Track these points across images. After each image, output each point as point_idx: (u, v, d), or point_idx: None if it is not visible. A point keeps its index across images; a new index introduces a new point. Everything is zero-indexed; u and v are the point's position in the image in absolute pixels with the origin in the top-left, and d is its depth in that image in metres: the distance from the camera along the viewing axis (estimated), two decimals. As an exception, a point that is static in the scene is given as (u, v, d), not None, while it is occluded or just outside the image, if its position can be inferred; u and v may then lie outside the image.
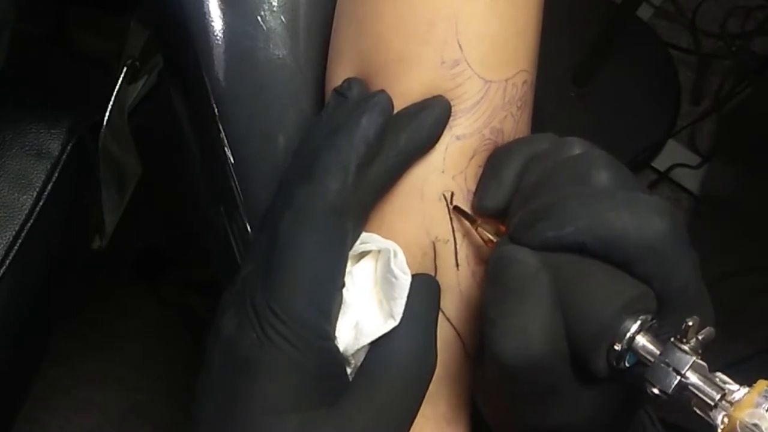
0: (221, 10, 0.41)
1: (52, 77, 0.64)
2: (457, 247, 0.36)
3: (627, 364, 0.28)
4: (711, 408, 0.26)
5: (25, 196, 0.56)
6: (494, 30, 0.35)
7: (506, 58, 0.36)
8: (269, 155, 0.42)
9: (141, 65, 0.63)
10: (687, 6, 1.37)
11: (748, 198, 1.12)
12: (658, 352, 0.27)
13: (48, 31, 0.67)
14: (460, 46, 0.35)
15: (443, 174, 0.36)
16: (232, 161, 0.42)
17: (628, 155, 1.24)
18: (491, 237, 0.34)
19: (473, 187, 0.36)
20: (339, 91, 0.36)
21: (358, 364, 0.33)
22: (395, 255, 0.33)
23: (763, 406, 0.25)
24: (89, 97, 0.63)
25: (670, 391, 0.27)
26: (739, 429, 0.25)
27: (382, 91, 0.34)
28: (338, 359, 0.32)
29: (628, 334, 0.28)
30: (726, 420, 0.25)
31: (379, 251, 0.34)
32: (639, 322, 0.28)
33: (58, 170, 0.57)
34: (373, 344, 0.33)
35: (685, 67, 1.35)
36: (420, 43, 0.35)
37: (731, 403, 0.26)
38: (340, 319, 0.33)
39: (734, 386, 0.26)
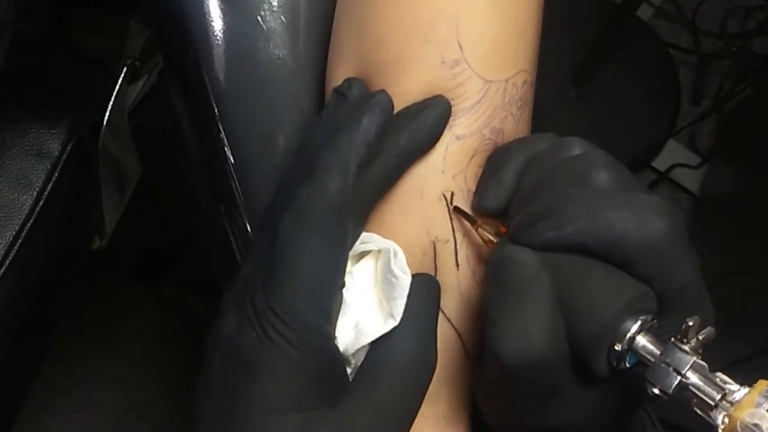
0: (221, 10, 0.41)
1: (52, 77, 0.64)
2: (457, 247, 0.36)
3: (627, 365, 0.28)
4: (711, 408, 0.26)
5: (25, 196, 0.56)
6: (494, 30, 0.35)
7: (506, 58, 0.36)
8: (269, 155, 0.42)
9: (141, 65, 0.63)
10: (687, 6, 1.37)
11: (748, 198, 1.12)
12: (658, 352, 0.27)
13: (48, 31, 0.67)
14: (460, 46, 0.35)
15: (443, 174, 0.36)
16: (232, 161, 0.42)
17: (628, 155, 1.24)
18: (491, 237, 0.34)
19: (473, 187, 0.36)
20: (339, 91, 0.36)
21: (358, 364, 0.33)
22: (395, 255, 0.33)
23: (764, 406, 0.25)
24: (89, 97, 0.63)
25: (670, 391, 0.27)
26: (739, 429, 0.25)
27: (383, 91, 0.34)
28: (338, 359, 0.32)
29: (629, 335, 0.28)
30: (726, 420, 0.25)
31: (379, 251, 0.34)
32: (639, 323, 0.28)
33: (58, 170, 0.57)
34: (373, 344, 0.33)
35: (685, 67, 1.35)
36: (420, 43, 0.35)
37: (732, 403, 0.26)
38: (340, 319, 0.33)
39: (735, 386, 0.26)
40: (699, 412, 0.26)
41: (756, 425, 0.24)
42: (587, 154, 0.32)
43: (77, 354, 1.09)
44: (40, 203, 0.56)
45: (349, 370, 0.33)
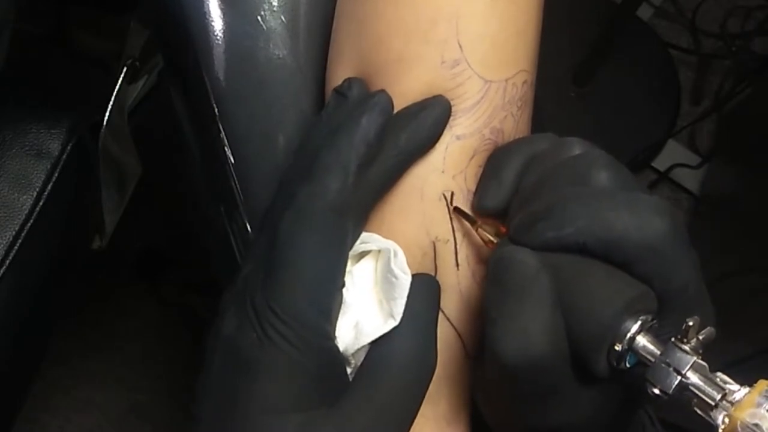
0: (221, 10, 0.41)
1: (52, 77, 0.64)
2: (457, 247, 0.36)
3: (627, 365, 0.28)
4: (712, 408, 0.26)
5: (25, 196, 0.56)
6: (494, 30, 0.35)
7: (506, 58, 0.36)
8: (269, 155, 0.42)
9: (141, 65, 0.63)
10: (687, 6, 1.37)
11: (748, 198, 1.12)
12: (658, 352, 0.27)
13: (48, 31, 0.67)
14: (460, 46, 0.35)
15: (443, 174, 0.36)
16: (232, 161, 0.42)
17: (628, 155, 1.24)
18: (491, 238, 0.34)
19: (473, 187, 0.36)
20: (339, 91, 0.36)
21: (358, 364, 0.33)
22: (395, 255, 0.33)
23: (764, 406, 0.25)
24: (89, 97, 0.63)
25: (670, 391, 0.27)
26: (739, 429, 0.25)
27: (383, 91, 0.34)
28: (338, 359, 0.32)
29: (629, 335, 0.28)
30: (727, 420, 0.25)
31: (379, 251, 0.34)
32: (639, 323, 0.28)
33: (58, 170, 0.57)
34: (373, 344, 0.33)
35: (685, 67, 1.35)
36: (420, 43, 0.35)
37: (732, 403, 0.26)
38: (340, 319, 0.33)
39: (735, 386, 0.26)
40: (699, 412, 0.26)
41: (756, 425, 0.24)
42: (587, 154, 0.32)
43: (77, 354, 1.09)
44: (40, 203, 0.56)
45: (349, 370, 0.33)
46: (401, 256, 0.34)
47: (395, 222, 0.36)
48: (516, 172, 0.34)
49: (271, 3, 0.41)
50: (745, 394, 0.25)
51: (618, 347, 0.28)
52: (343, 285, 0.33)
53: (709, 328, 0.28)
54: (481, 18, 0.35)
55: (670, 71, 1.33)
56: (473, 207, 0.36)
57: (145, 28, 0.62)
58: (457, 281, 0.36)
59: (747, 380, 0.26)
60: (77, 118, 0.59)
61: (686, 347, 0.27)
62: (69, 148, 0.58)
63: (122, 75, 0.61)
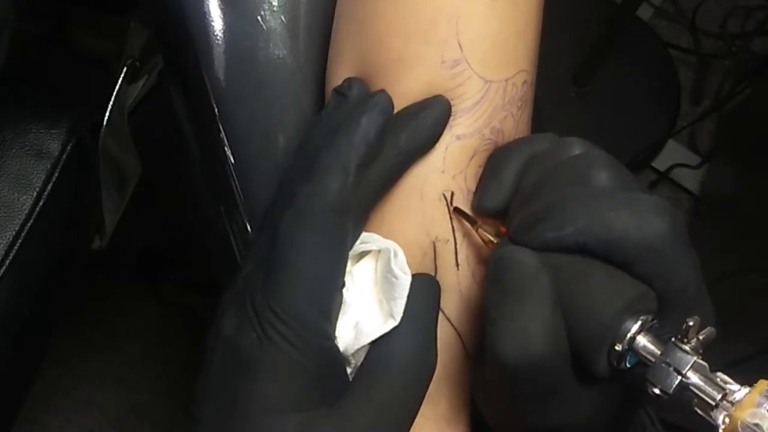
0: (221, 10, 0.41)
1: (52, 77, 0.64)
2: (457, 247, 0.36)
3: (628, 365, 0.28)
4: (712, 408, 0.26)
5: (25, 196, 0.56)
6: (494, 30, 0.35)
7: (506, 58, 0.36)
8: (269, 155, 0.42)
9: (141, 65, 0.63)
10: (687, 6, 1.37)
11: (748, 198, 1.12)
12: (658, 353, 0.27)
13: (48, 31, 0.67)
14: (460, 46, 0.35)
15: (443, 174, 0.36)
16: (232, 161, 0.42)
17: (628, 155, 1.24)
18: (491, 238, 0.34)
19: (473, 187, 0.36)
20: (339, 91, 0.36)
21: (358, 364, 0.33)
22: (395, 255, 0.33)
23: (764, 406, 0.25)
24: (89, 97, 0.63)
25: (671, 391, 0.27)
26: (740, 429, 0.25)
27: (383, 91, 0.34)
28: (338, 359, 0.32)
29: (629, 335, 0.28)
30: (727, 420, 0.25)
31: (379, 251, 0.34)
32: (640, 323, 0.28)
33: (58, 170, 0.57)
34: (373, 344, 0.33)
35: (685, 67, 1.35)
36: (420, 43, 0.35)
37: (732, 403, 0.26)
38: (340, 319, 0.33)
39: (735, 386, 0.26)
40: (699, 412, 0.26)
41: (757, 425, 0.24)
42: (587, 154, 0.32)
43: (77, 354, 1.09)
44: (40, 203, 0.56)
45: (349, 370, 0.33)
46: (401, 256, 0.34)
47: (395, 222, 0.36)
48: (516, 172, 0.34)
49: (271, 3, 0.41)
50: (746, 394, 0.25)
51: (618, 347, 0.28)
52: (343, 285, 0.33)
53: (709, 328, 0.28)
54: (481, 18, 0.35)
55: (670, 71, 1.33)
56: (473, 207, 0.36)
57: (145, 28, 0.62)
58: (457, 281, 0.36)
59: (747, 380, 0.26)
60: (77, 118, 0.59)
61: (686, 347, 0.27)
62: (69, 148, 0.58)
63: (122, 75, 0.62)
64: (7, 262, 0.55)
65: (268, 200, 0.37)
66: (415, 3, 0.35)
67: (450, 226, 0.36)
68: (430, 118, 0.35)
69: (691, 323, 0.27)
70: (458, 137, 0.36)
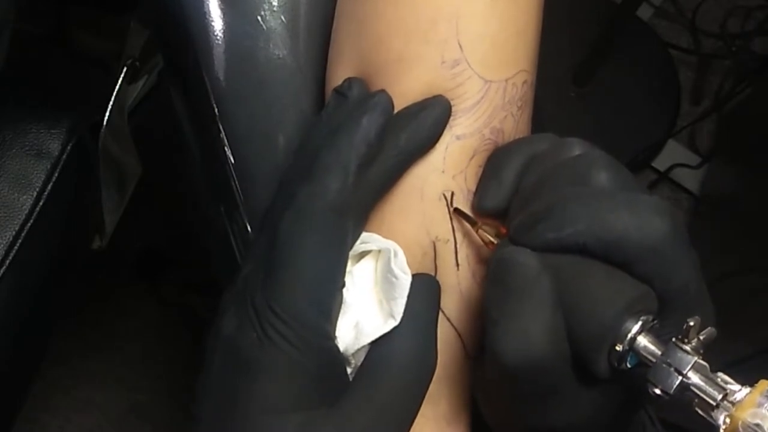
0: (221, 10, 0.41)
1: (52, 77, 0.64)
2: (457, 246, 0.36)
3: (628, 365, 0.28)
4: (713, 408, 0.26)
5: (25, 196, 0.56)
6: (494, 30, 0.35)
7: (506, 58, 0.36)
8: (269, 155, 0.42)
9: (141, 65, 0.63)
10: (687, 6, 1.37)
11: (748, 198, 1.12)
12: (659, 353, 0.27)
13: (48, 31, 0.67)
14: (460, 46, 0.35)
15: (443, 174, 0.36)
16: (232, 161, 0.42)
17: (628, 155, 1.24)
18: (492, 239, 0.34)
19: (473, 187, 0.36)
20: (339, 91, 0.36)
21: (358, 364, 0.33)
22: (395, 255, 0.33)
23: (765, 406, 0.25)
24: (89, 97, 0.63)
25: (671, 391, 0.27)
26: (741, 429, 0.25)
27: (383, 91, 0.34)
28: (338, 359, 0.32)
29: (630, 335, 0.28)
30: (728, 420, 0.25)
31: (379, 251, 0.34)
32: (640, 323, 0.28)
33: (58, 170, 0.57)
34: (373, 344, 0.33)
35: (685, 67, 1.35)
36: (420, 43, 0.35)
37: (733, 404, 0.26)
38: (340, 319, 0.33)
39: (736, 386, 0.26)
40: (700, 412, 0.26)
41: (758, 425, 0.24)
42: (587, 155, 0.32)
43: (77, 354, 1.09)
44: (40, 203, 0.56)
45: (349, 370, 0.33)
46: (401, 256, 0.34)
47: (395, 222, 0.36)
48: (516, 172, 0.34)
49: (271, 3, 0.41)
50: (746, 394, 0.25)
51: (619, 348, 0.28)
52: (343, 285, 0.33)
53: (709, 328, 0.28)
54: (481, 18, 0.35)
55: (670, 71, 1.33)
56: (473, 207, 0.36)
57: (145, 28, 0.62)
58: (457, 281, 0.36)
59: (748, 380, 0.26)
60: (77, 118, 0.59)
61: (687, 347, 0.27)
62: (69, 148, 0.58)
63: (122, 75, 0.62)
64: (7, 262, 0.55)
65: (268, 200, 0.37)
66: (415, 3, 0.35)
67: (450, 226, 0.36)
68: (430, 118, 0.35)
69: (691, 323, 0.27)
70: (458, 137, 0.36)
